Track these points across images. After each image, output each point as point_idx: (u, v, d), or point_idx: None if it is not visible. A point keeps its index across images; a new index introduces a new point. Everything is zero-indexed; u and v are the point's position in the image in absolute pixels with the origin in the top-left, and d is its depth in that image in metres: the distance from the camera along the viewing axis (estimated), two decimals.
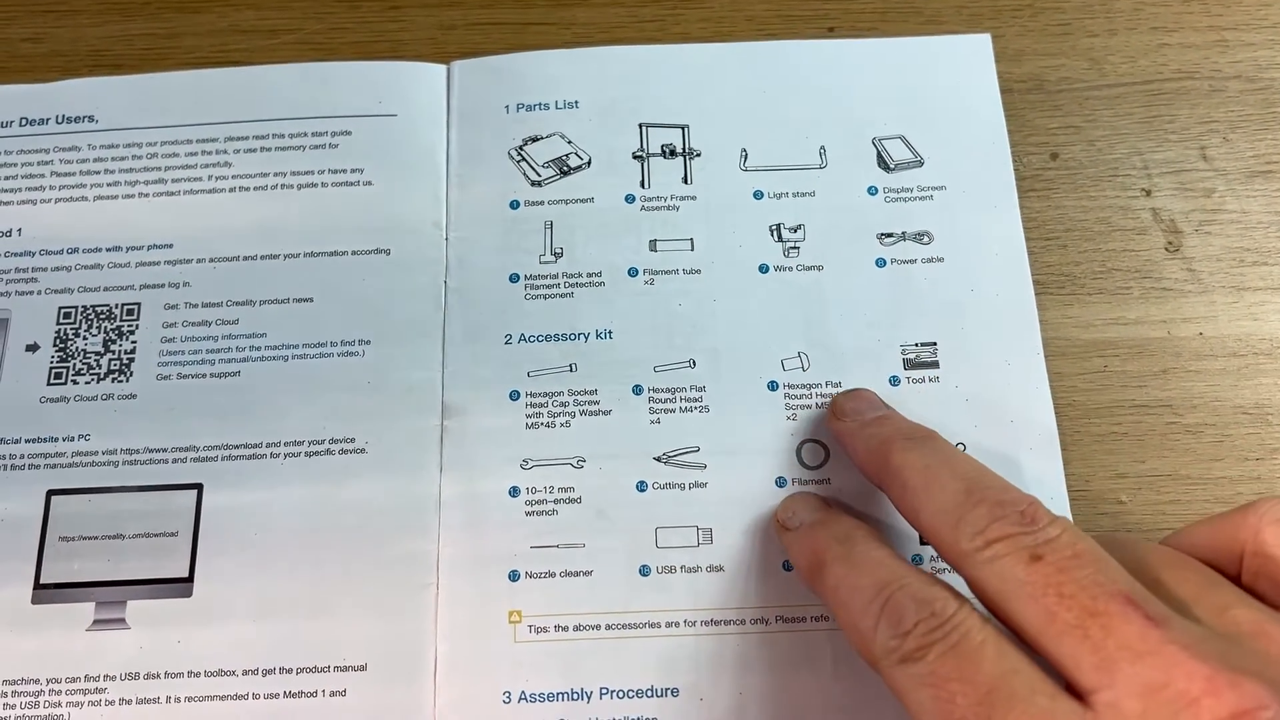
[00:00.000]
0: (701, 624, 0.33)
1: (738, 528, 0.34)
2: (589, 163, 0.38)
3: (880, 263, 0.37)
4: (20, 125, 0.40)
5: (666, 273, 0.37)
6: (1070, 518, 0.34)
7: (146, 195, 0.39)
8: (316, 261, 0.37)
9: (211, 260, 0.38)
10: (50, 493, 0.35)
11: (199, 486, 0.35)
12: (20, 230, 0.38)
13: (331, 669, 0.33)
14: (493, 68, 0.40)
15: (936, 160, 0.38)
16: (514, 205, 0.38)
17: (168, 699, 0.32)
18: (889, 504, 0.31)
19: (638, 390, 0.35)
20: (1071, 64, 0.40)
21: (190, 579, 0.34)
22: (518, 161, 0.38)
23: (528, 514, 0.34)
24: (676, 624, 0.33)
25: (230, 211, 0.38)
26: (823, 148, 0.39)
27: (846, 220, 0.38)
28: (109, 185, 0.39)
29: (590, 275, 0.37)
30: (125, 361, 0.36)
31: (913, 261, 0.37)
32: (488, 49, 0.40)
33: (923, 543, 0.33)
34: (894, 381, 0.35)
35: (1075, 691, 0.23)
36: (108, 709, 0.32)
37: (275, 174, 0.39)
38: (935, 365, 0.36)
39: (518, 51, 0.40)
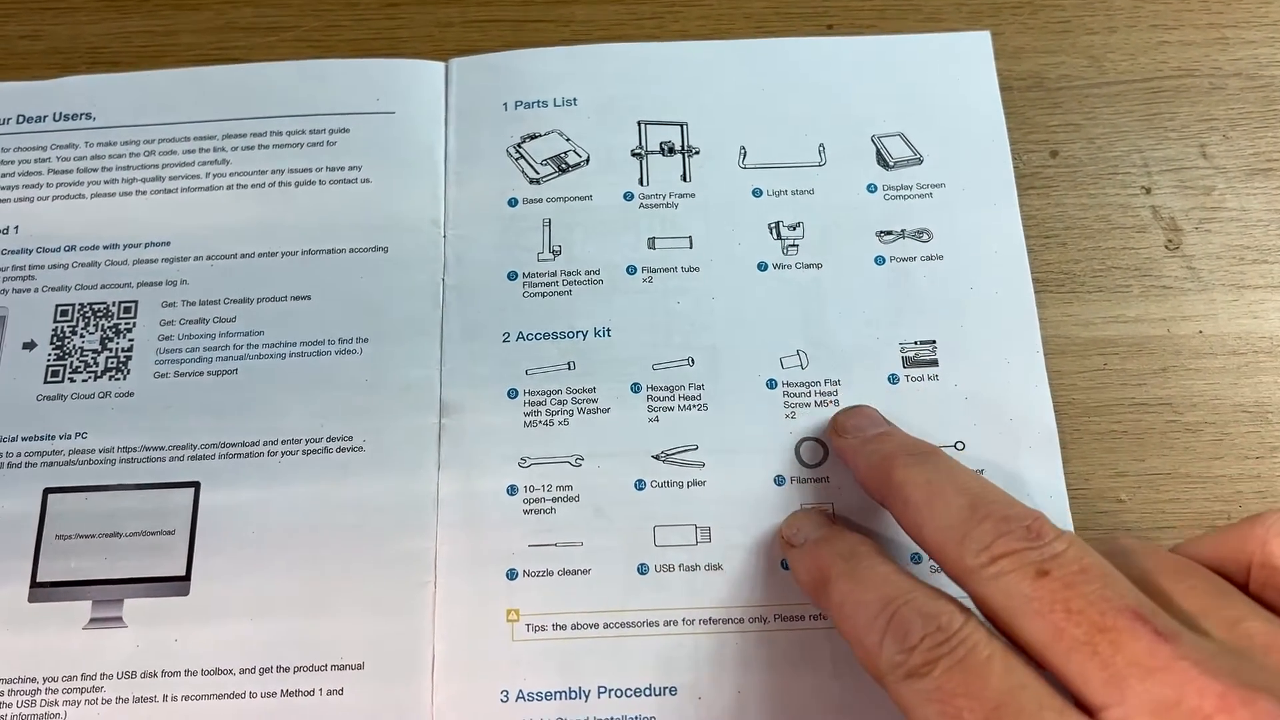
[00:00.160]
0: (700, 622, 0.33)
1: (736, 526, 0.34)
2: (587, 160, 0.38)
3: (879, 260, 0.37)
4: (18, 122, 0.40)
5: (665, 270, 0.37)
6: (1070, 516, 0.34)
7: (144, 193, 0.38)
8: (314, 259, 0.37)
9: (209, 258, 0.37)
10: (47, 491, 0.35)
11: (196, 485, 0.35)
12: (17, 228, 0.38)
13: (329, 668, 0.33)
14: (491, 65, 0.40)
15: (936, 158, 0.38)
16: (512, 203, 0.38)
17: (164, 698, 0.32)
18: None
19: (636, 388, 0.35)
20: (1071, 61, 0.40)
21: (187, 577, 0.34)
22: (516, 159, 0.38)
23: (526, 512, 0.34)
24: (675, 623, 0.33)
25: (228, 209, 0.38)
26: (822, 145, 0.38)
27: (846, 218, 0.37)
28: (106, 183, 0.39)
29: (589, 273, 0.37)
30: (122, 359, 0.36)
31: (912, 259, 0.37)
32: (486, 46, 0.40)
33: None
34: (893, 380, 0.35)
35: (1084, 708, 0.23)
36: (104, 708, 0.32)
37: (273, 171, 0.39)
38: (934, 363, 0.35)
39: (516, 49, 0.40)
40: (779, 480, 0.34)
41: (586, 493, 0.34)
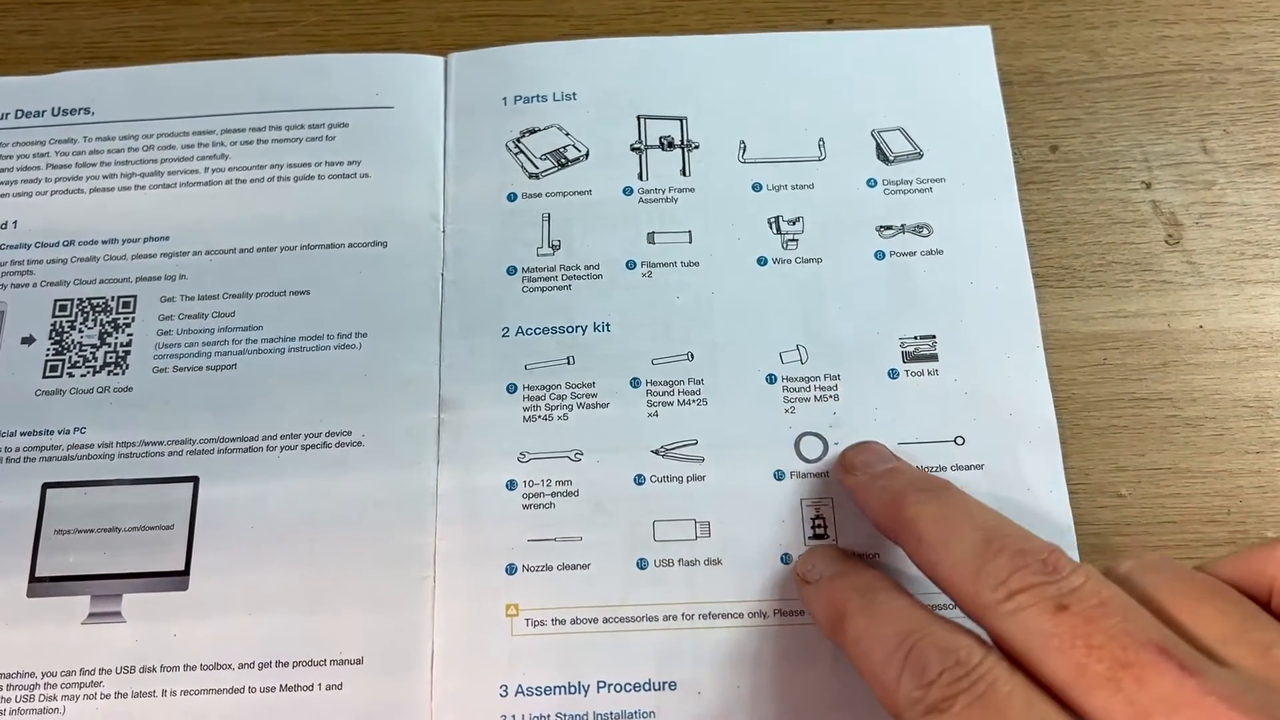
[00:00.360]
0: (699, 617, 0.33)
1: (736, 521, 0.34)
2: (587, 155, 0.38)
3: (879, 255, 0.37)
4: (16, 117, 0.40)
5: (665, 265, 0.37)
6: (1070, 511, 0.34)
7: (143, 187, 0.38)
8: (313, 254, 0.37)
9: (208, 252, 0.37)
10: (46, 486, 0.35)
11: (195, 479, 0.35)
12: (16, 222, 0.38)
13: (328, 662, 0.32)
14: (490, 60, 0.40)
15: (936, 153, 0.38)
16: (511, 197, 0.38)
17: (163, 692, 0.32)
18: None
19: (635, 383, 0.35)
20: (1071, 56, 0.40)
21: (186, 572, 0.34)
22: (515, 153, 0.38)
23: (525, 507, 0.34)
24: (674, 617, 0.33)
25: (227, 204, 0.38)
26: (821, 140, 0.38)
27: (845, 213, 0.37)
28: (105, 177, 0.39)
29: (588, 268, 0.37)
30: (121, 354, 0.36)
31: (912, 254, 0.37)
32: (485, 41, 0.40)
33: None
34: (893, 374, 0.35)
35: None
36: (103, 703, 0.32)
37: (272, 166, 0.38)
38: (934, 358, 0.35)
39: (515, 43, 0.40)
40: (778, 475, 0.34)
41: (586, 488, 0.34)
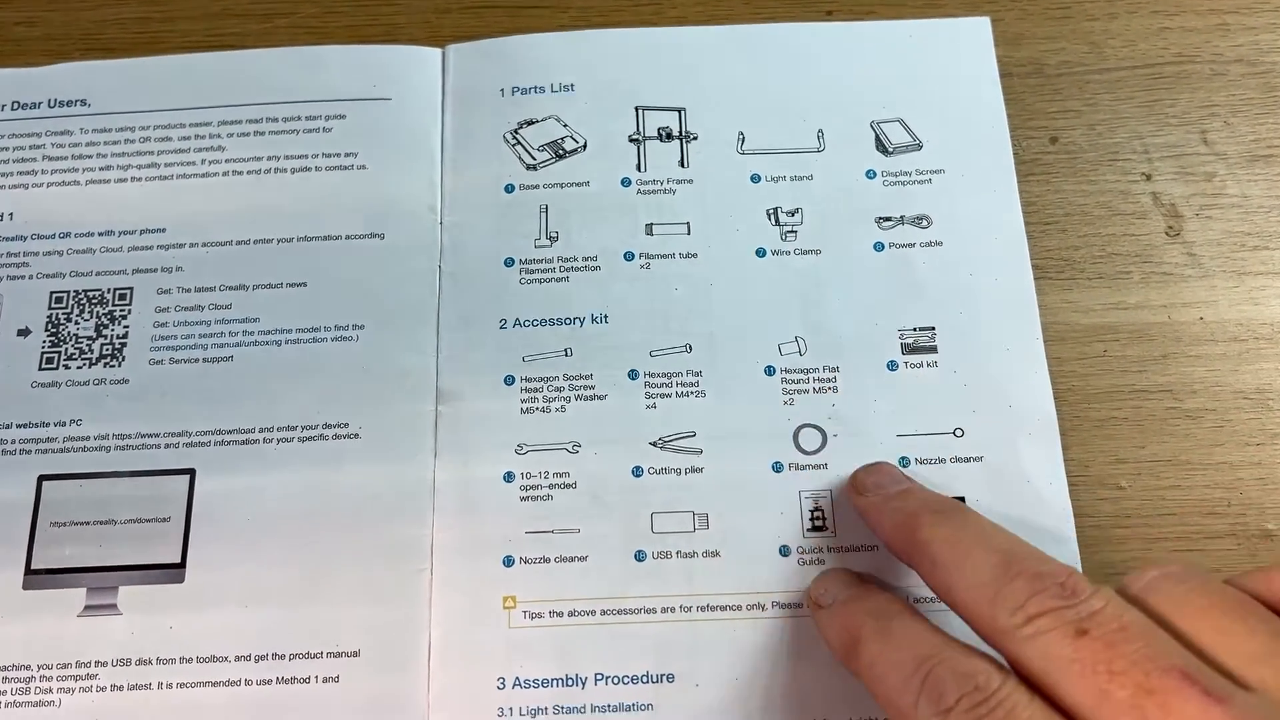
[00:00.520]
0: (697, 609, 0.33)
1: (734, 513, 0.34)
2: (584, 146, 0.38)
3: (878, 247, 0.37)
4: (12, 109, 0.39)
5: (663, 257, 0.37)
6: (1069, 504, 0.33)
7: (139, 179, 0.38)
8: (310, 246, 0.37)
9: (204, 244, 0.37)
10: (42, 478, 0.34)
11: (191, 472, 0.34)
12: (12, 214, 0.38)
13: (324, 655, 0.32)
14: (488, 51, 0.39)
15: (935, 144, 0.38)
16: (509, 189, 0.38)
17: (159, 685, 0.32)
18: None
19: (633, 375, 0.35)
20: (1071, 47, 0.40)
21: (182, 565, 0.33)
22: (513, 145, 0.38)
23: (522, 499, 0.34)
24: (672, 609, 0.33)
25: (223, 196, 0.38)
26: (821, 131, 0.38)
27: (845, 204, 0.37)
28: (101, 169, 0.38)
29: (586, 259, 0.37)
30: (117, 346, 0.36)
31: (911, 245, 0.37)
32: (483, 32, 0.40)
33: None
34: (892, 366, 0.35)
35: None
36: (99, 695, 0.32)
37: (269, 158, 0.38)
38: (934, 350, 0.35)
39: (513, 35, 0.40)
40: (777, 467, 0.34)
41: (584, 480, 0.34)
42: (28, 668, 0.32)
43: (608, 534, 0.33)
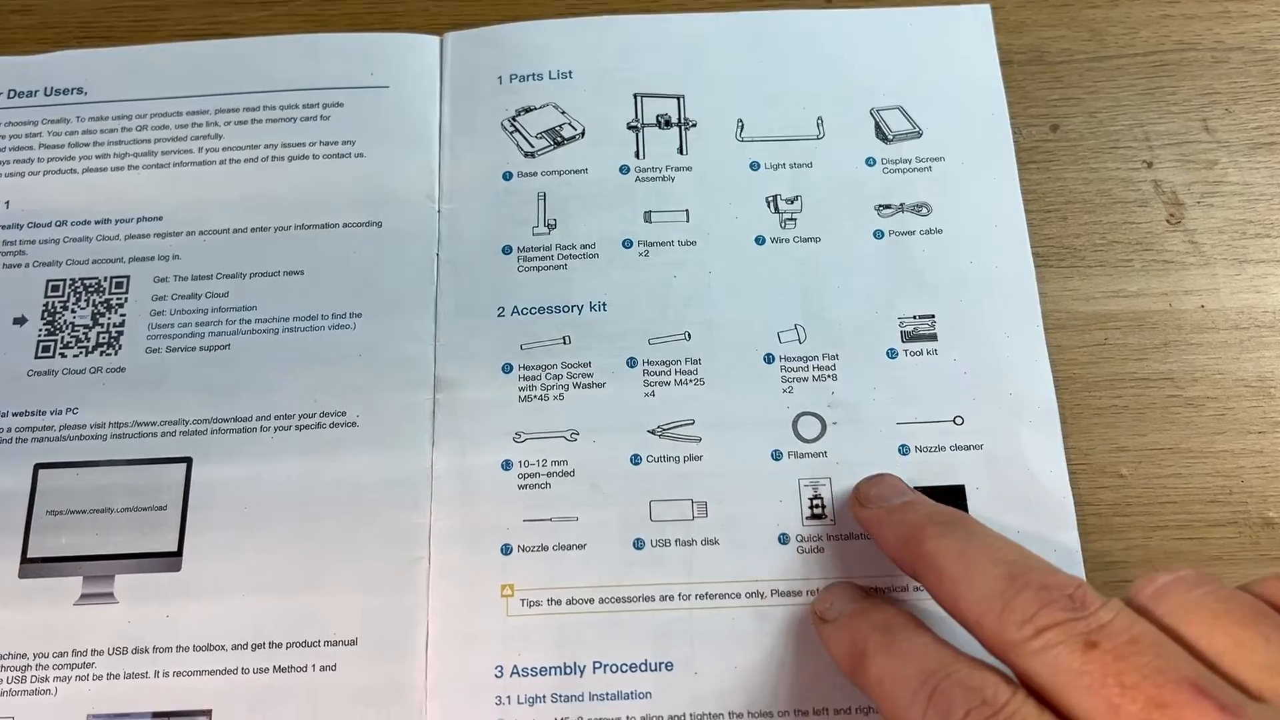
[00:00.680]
0: (696, 597, 0.32)
1: (733, 501, 0.33)
2: (583, 133, 0.38)
3: (878, 234, 0.36)
4: (9, 97, 0.39)
5: (661, 244, 0.36)
6: (1070, 492, 0.33)
7: (136, 167, 0.38)
8: (307, 234, 0.37)
9: (201, 233, 0.37)
10: (38, 466, 0.34)
11: (188, 460, 0.34)
12: (8, 203, 0.38)
13: (322, 643, 0.32)
14: (486, 38, 0.39)
15: (935, 132, 0.38)
16: (507, 177, 0.37)
17: (155, 673, 0.32)
18: None
19: (632, 363, 0.35)
20: (1072, 35, 0.40)
21: (179, 553, 0.33)
22: (511, 132, 0.38)
23: (520, 487, 0.34)
24: (671, 597, 0.32)
25: (220, 184, 0.38)
26: (820, 118, 0.38)
27: (844, 192, 0.37)
28: (98, 157, 0.38)
29: (584, 247, 0.36)
30: (114, 334, 0.36)
31: (911, 233, 0.36)
32: (481, 20, 0.40)
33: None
34: (891, 354, 0.35)
35: None
36: (95, 683, 0.32)
37: (266, 146, 0.38)
38: (933, 338, 0.35)
39: (511, 22, 0.39)
40: (776, 455, 0.34)
41: (582, 467, 0.34)
42: (24, 656, 0.32)
43: (606, 522, 0.33)
